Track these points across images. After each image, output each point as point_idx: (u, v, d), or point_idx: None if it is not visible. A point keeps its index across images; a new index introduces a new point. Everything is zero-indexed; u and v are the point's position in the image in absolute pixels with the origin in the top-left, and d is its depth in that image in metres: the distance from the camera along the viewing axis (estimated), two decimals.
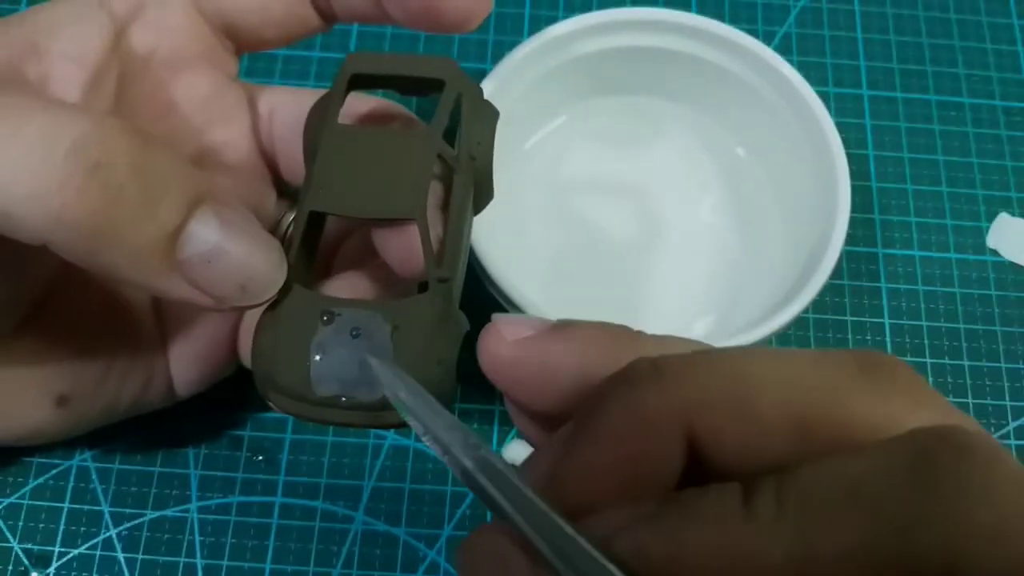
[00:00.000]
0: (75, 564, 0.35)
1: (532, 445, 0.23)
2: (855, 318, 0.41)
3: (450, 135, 0.27)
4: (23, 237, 0.22)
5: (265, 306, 0.25)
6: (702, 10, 0.45)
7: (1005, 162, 0.45)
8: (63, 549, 0.36)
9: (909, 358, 0.41)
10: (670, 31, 0.40)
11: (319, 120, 0.27)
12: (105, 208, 0.22)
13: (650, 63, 0.41)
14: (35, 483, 0.37)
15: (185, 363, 0.32)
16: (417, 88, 0.29)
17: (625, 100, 0.43)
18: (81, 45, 0.27)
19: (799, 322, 0.36)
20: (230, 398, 0.36)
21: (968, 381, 0.40)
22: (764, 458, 0.17)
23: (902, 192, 0.44)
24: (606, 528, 0.16)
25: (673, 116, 0.43)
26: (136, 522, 0.36)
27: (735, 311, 0.40)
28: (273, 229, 0.33)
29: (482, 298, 0.35)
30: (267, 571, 0.36)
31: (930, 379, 0.40)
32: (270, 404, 0.24)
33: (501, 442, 0.37)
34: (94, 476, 0.37)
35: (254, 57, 0.45)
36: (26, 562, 0.35)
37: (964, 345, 0.41)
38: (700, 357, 0.18)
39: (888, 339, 0.41)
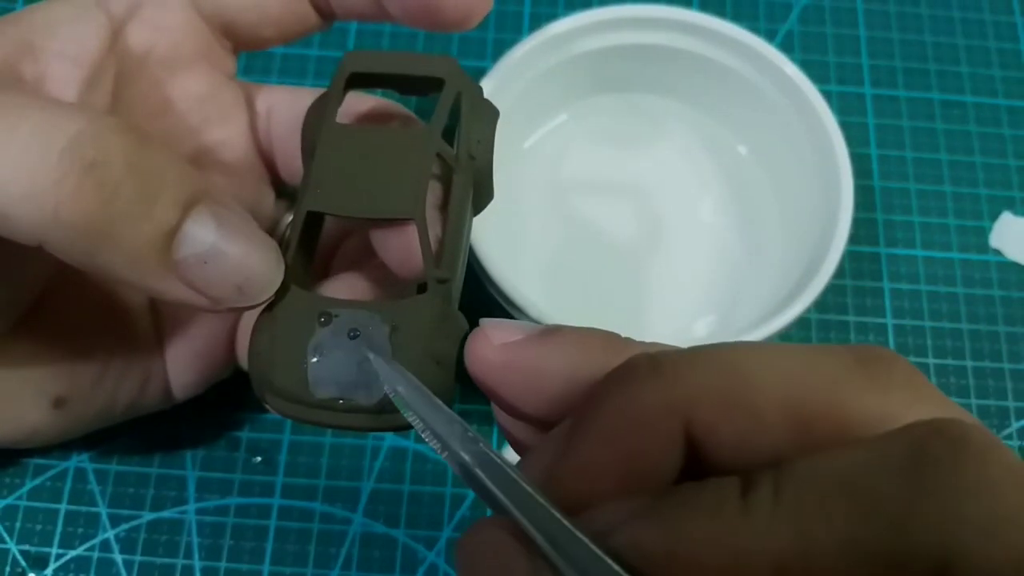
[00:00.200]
0: (72, 566, 0.35)
1: (516, 451, 0.23)
2: (857, 318, 0.41)
3: (449, 134, 0.27)
4: (19, 237, 0.22)
5: (262, 307, 0.25)
6: (704, 7, 0.45)
7: (1008, 161, 0.45)
8: (60, 550, 0.35)
9: (912, 358, 0.40)
10: (671, 28, 0.40)
11: (317, 119, 0.27)
12: (101, 207, 0.22)
13: (651, 61, 0.41)
14: (32, 484, 0.36)
15: (182, 365, 0.32)
16: (416, 87, 0.28)
17: (626, 98, 0.43)
18: (78, 44, 0.27)
19: (801, 322, 0.36)
20: (228, 399, 0.36)
21: (971, 382, 0.40)
22: (762, 453, 0.17)
23: (905, 191, 0.44)
24: (604, 522, 0.16)
25: (674, 114, 0.43)
26: (133, 523, 0.36)
27: (736, 311, 0.40)
28: (271, 229, 0.33)
29: (482, 298, 0.34)
30: (265, 573, 0.35)
31: (933, 380, 0.40)
32: (266, 407, 0.24)
33: (500, 443, 0.37)
34: (91, 477, 0.37)
35: (252, 55, 0.44)
36: (23, 564, 0.35)
37: (967, 346, 0.41)
38: (697, 353, 0.18)
39: (891, 339, 0.41)
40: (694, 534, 0.15)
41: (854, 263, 0.42)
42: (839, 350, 0.18)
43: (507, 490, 0.18)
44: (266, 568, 0.35)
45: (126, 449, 0.37)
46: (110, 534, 0.36)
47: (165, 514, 0.36)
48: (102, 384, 0.30)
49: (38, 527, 0.36)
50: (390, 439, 0.38)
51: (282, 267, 0.24)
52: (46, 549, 0.35)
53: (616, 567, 0.16)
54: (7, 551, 0.35)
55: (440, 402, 0.21)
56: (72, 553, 0.35)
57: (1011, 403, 0.40)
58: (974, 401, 0.40)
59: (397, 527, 0.36)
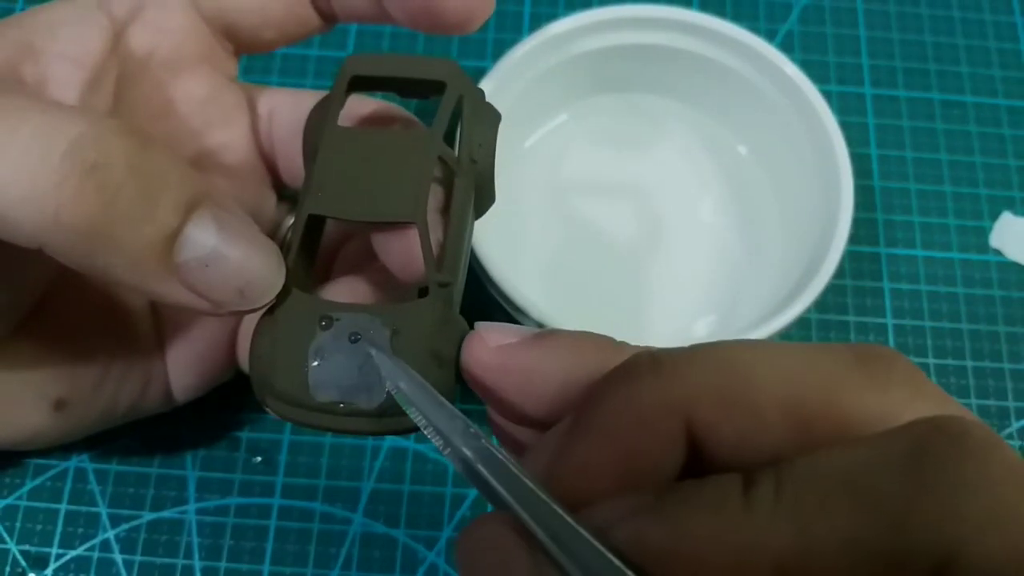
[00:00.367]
0: (72, 566, 0.35)
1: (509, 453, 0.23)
2: (858, 318, 0.41)
3: (451, 138, 0.27)
4: (19, 240, 0.22)
5: (263, 311, 0.25)
6: (704, 7, 0.45)
7: (1008, 161, 0.45)
8: (60, 550, 0.35)
9: (912, 358, 0.40)
10: (671, 28, 0.40)
11: (319, 122, 0.27)
12: (101, 209, 0.22)
13: (651, 61, 0.41)
14: (32, 484, 0.36)
15: (183, 368, 0.32)
16: (418, 90, 0.28)
17: (626, 98, 0.43)
18: (79, 46, 0.27)
19: (801, 322, 0.36)
20: (228, 399, 0.36)
21: (971, 382, 0.40)
22: (763, 451, 0.17)
23: (905, 191, 0.44)
24: (605, 518, 0.16)
25: (674, 114, 0.43)
26: (134, 523, 0.36)
27: (736, 311, 0.40)
28: (272, 233, 0.33)
29: (482, 299, 0.34)
30: (265, 573, 0.35)
31: (933, 380, 0.39)
32: (267, 410, 0.24)
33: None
34: (91, 477, 0.37)
35: (252, 55, 0.44)
36: (23, 564, 0.35)
37: (967, 346, 0.41)
38: (697, 351, 0.18)
39: (891, 339, 0.41)
40: (696, 530, 0.15)
41: (854, 263, 0.42)
42: (839, 348, 0.18)
43: (509, 486, 0.18)
44: (266, 568, 0.35)
45: (126, 449, 0.37)
46: (110, 534, 0.36)
47: (165, 514, 0.36)
48: (103, 387, 0.30)
49: (38, 527, 0.36)
50: (390, 439, 0.38)
51: (283, 270, 0.24)
52: (46, 549, 0.35)
53: (618, 562, 0.16)
54: (7, 551, 0.35)
55: (442, 398, 0.21)
56: (72, 553, 0.35)
57: (1011, 403, 0.40)
58: (974, 401, 0.40)
59: (397, 527, 0.36)
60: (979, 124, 0.45)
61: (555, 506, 0.17)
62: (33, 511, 0.36)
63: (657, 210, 0.42)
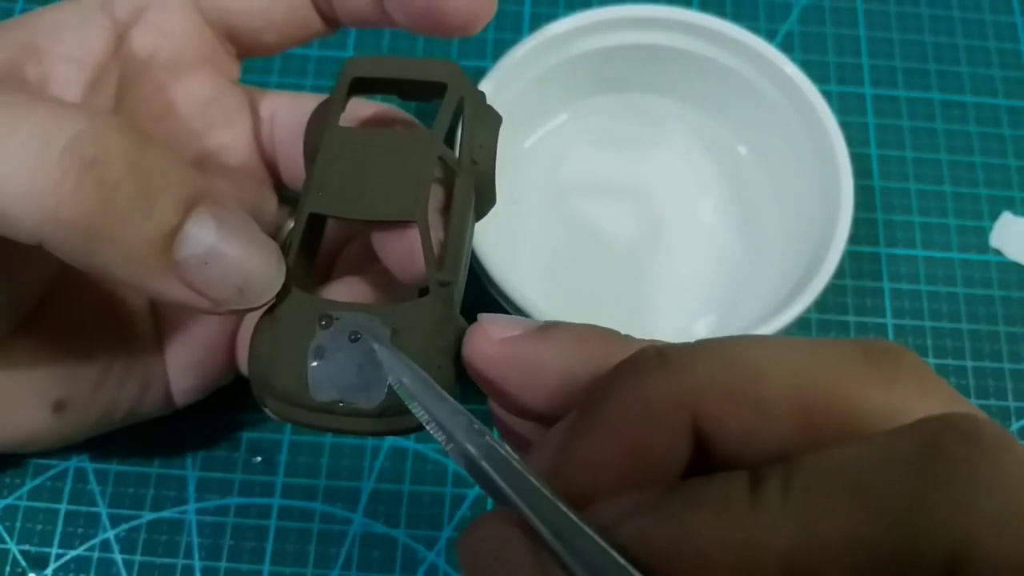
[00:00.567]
0: (72, 566, 0.35)
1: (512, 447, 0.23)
2: (858, 318, 0.41)
3: (451, 139, 0.27)
4: (19, 236, 0.22)
5: (263, 310, 0.25)
6: (704, 7, 0.45)
7: (1008, 161, 0.45)
8: (60, 550, 0.35)
9: None
10: (671, 28, 0.40)
11: (320, 124, 0.27)
12: (100, 205, 0.22)
13: (651, 61, 0.41)
14: (32, 484, 0.36)
15: (183, 370, 0.32)
16: (419, 92, 0.28)
17: (626, 98, 0.43)
18: (82, 47, 0.27)
19: (801, 322, 0.36)
20: (228, 400, 0.36)
21: (971, 382, 0.40)
22: (769, 447, 0.17)
23: (905, 191, 0.44)
24: (610, 515, 0.16)
25: (674, 114, 0.43)
26: (134, 523, 0.36)
27: (736, 311, 0.39)
28: (273, 234, 0.32)
29: (482, 299, 0.34)
30: (265, 573, 0.35)
31: None
32: (266, 410, 0.24)
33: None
34: (91, 477, 0.37)
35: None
36: (23, 564, 0.35)
37: (967, 346, 0.41)
38: (704, 346, 0.18)
39: (891, 339, 0.41)
40: (701, 529, 0.15)
41: (854, 263, 0.42)
42: (846, 343, 0.18)
43: (512, 482, 0.17)
44: (266, 568, 0.35)
45: (126, 449, 0.37)
46: (110, 534, 0.36)
47: (165, 514, 0.36)
48: (102, 388, 0.30)
49: (38, 527, 0.36)
50: (390, 439, 0.38)
51: (283, 269, 0.24)
52: (46, 549, 0.35)
53: (622, 561, 0.15)
54: (7, 551, 0.35)
55: (445, 393, 0.21)
56: (72, 553, 0.35)
57: (1011, 403, 0.40)
58: (974, 401, 0.40)
59: (397, 527, 0.36)
60: (979, 124, 0.45)
61: (559, 503, 0.17)
62: (33, 511, 0.36)
63: (657, 210, 0.42)
